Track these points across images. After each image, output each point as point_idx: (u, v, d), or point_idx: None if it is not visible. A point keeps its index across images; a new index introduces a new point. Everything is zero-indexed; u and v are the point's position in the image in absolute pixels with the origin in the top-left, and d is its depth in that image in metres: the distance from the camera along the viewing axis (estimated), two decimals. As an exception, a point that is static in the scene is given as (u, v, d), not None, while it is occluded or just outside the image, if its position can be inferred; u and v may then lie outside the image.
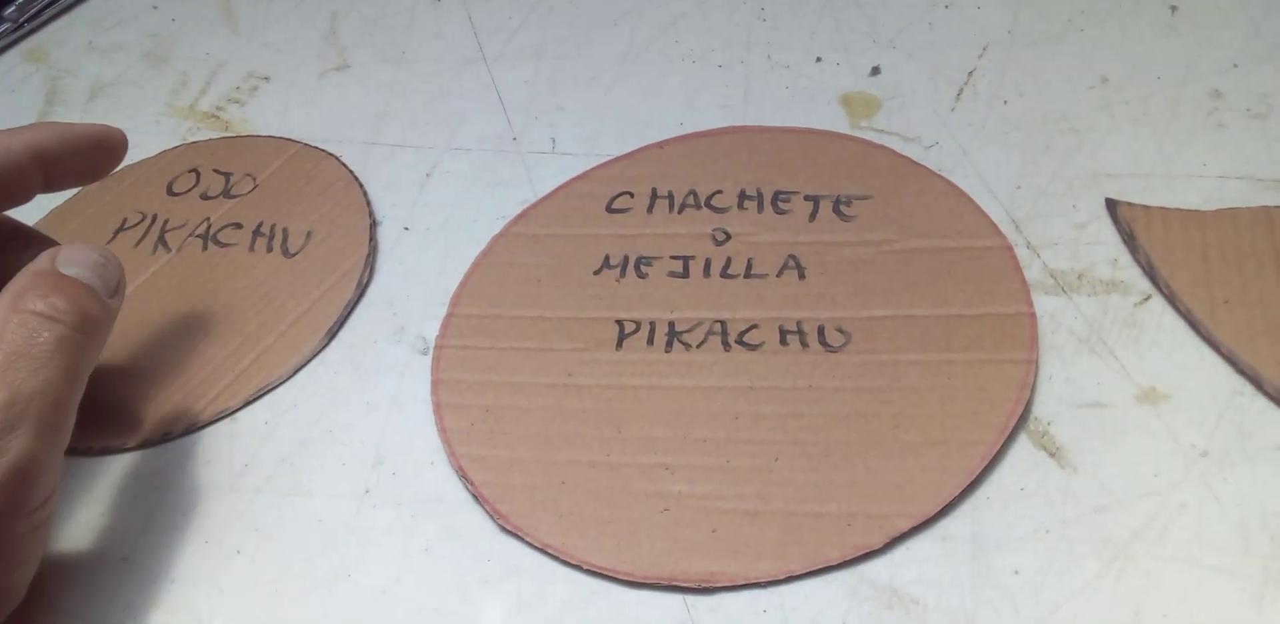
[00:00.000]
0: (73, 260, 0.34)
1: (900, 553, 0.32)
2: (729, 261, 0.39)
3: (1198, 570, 0.31)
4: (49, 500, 0.31)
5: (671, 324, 0.38)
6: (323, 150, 0.46)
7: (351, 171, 0.45)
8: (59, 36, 0.56)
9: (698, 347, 0.37)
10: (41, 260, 0.33)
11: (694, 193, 0.42)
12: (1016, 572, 0.31)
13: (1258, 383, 0.34)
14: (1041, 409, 0.34)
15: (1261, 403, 0.33)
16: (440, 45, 0.50)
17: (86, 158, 0.38)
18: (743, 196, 0.41)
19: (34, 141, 0.36)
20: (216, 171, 0.46)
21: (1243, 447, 0.33)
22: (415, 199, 0.44)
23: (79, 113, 0.52)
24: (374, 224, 0.43)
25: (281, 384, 0.39)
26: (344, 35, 0.52)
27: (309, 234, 0.43)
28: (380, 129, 0.47)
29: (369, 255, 0.42)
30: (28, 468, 0.29)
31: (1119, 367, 0.35)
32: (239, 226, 0.44)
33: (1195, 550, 0.31)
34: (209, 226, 0.44)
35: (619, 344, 0.38)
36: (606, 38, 0.49)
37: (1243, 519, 0.31)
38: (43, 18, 0.56)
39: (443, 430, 0.37)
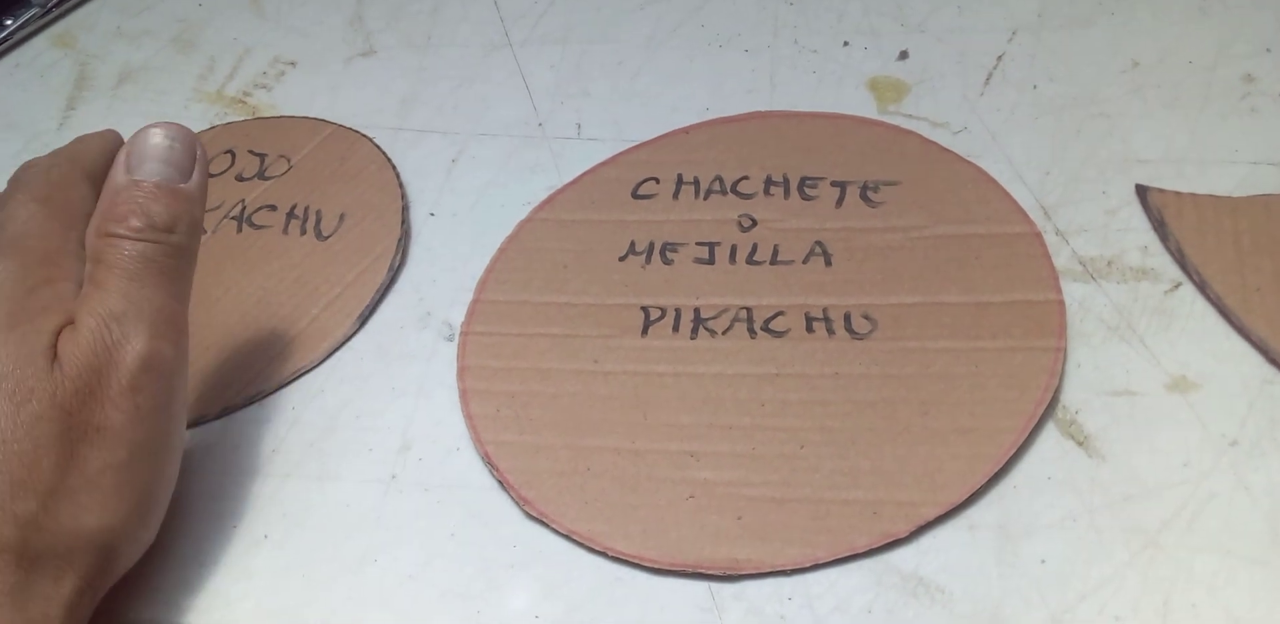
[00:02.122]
0: (141, 158, 0.34)
1: (927, 541, 0.32)
2: (755, 248, 0.39)
3: (1228, 560, 0.30)
4: (183, 401, 0.34)
5: (697, 311, 0.38)
6: (357, 132, 0.46)
7: (385, 154, 0.45)
8: (88, 21, 0.56)
9: (723, 333, 0.37)
10: (115, 173, 0.34)
11: (720, 179, 0.41)
12: (1044, 561, 0.31)
13: (1289, 371, 0.33)
14: (1070, 397, 0.34)
15: (1293, 392, 0.33)
16: (466, 30, 0.50)
17: None
18: (769, 182, 0.41)
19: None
20: (251, 152, 0.47)
21: (1274, 436, 0.32)
22: (441, 184, 0.44)
23: (107, 98, 0.52)
24: (406, 207, 0.43)
25: (314, 368, 0.39)
26: (369, 20, 0.52)
27: (342, 217, 0.43)
28: (406, 114, 0.47)
29: (401, 239, 0.42)
30: (156, 366, 0.32)
31: (1148, 355, 0.35)
32: (273, 209, 0.44)
33: (1225, 540, 0.31)
34: (244, 208, 0.44)
35: (644, 331, 0.38)
36: (632, 22, 0.49)
37: (1273, 509, 0.31)
38: (71, 2, 0.56)
39: (469, 416, 0.37)
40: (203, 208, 0.35)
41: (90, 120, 0.51)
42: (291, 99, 0.49)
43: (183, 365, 0.34)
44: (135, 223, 0.33)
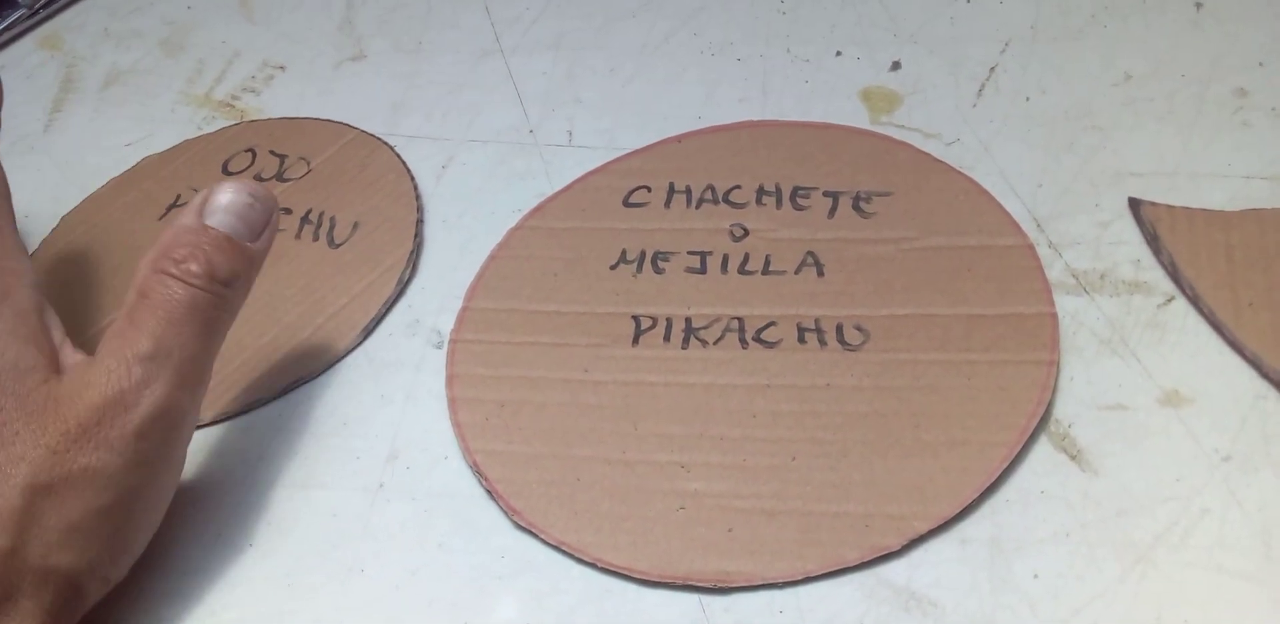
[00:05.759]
0: (217, 207, 0.34)
1: (918, 555, 0.32)
2: (747, 258, 0.39)
3: (1220, 576, 0.30)
4: (184, 452, 0.34)
5: (688, 320, 0.38)
6: (378, 138, 0.46)
7: (404, 163, 0.45)
8: (75, 23, 0.56)
9: (715, 343, 0.37)
10: (187, 213, 0.34)
11: (712, 188, 0.41)
12: (1036, 575, 0.31)
13: (1282, 386, 0.33)
14: (1062, 411, 0.34)
15: (1285, 407, 0.33)
16: (457, 36, 0.50)
17: None
18: (761, 192, 0.41)
19: None
20: (272, 153, 0.46)
21: (1266, 451, 0.32)
22: (431, 191, 0.44)
23: (94, 100, 0.51)
24: (421, 220, 0.43)
25: (314, 379, 0.39)
26: (360, 25, 0.52)
27: (356, 225, 0.43)
28: (396, 120, 0.47)
29: (413, 252, 0.42)
30: (169, 415, 0.32)
31: (1141, 369, 0.34)
32: (288, 212, 0.44)
33: (1217, 556, 0.31)
34: None
35: (635, 340, 0.38)
36: (625, 29, 0.49)
37: (1265, 525, 0.31)
38: (59, 4, 0.56)
39: (457, 425, 0.37)
40: (258, 271, 0.35)
41: (76, 122, 0.51)
42: (280, 103, 0.49)
43: (194, 416, 0.33)
44: (194, 268, 0.32)
